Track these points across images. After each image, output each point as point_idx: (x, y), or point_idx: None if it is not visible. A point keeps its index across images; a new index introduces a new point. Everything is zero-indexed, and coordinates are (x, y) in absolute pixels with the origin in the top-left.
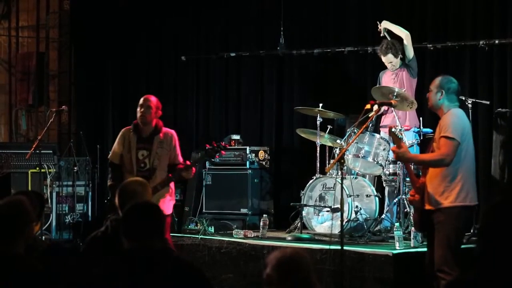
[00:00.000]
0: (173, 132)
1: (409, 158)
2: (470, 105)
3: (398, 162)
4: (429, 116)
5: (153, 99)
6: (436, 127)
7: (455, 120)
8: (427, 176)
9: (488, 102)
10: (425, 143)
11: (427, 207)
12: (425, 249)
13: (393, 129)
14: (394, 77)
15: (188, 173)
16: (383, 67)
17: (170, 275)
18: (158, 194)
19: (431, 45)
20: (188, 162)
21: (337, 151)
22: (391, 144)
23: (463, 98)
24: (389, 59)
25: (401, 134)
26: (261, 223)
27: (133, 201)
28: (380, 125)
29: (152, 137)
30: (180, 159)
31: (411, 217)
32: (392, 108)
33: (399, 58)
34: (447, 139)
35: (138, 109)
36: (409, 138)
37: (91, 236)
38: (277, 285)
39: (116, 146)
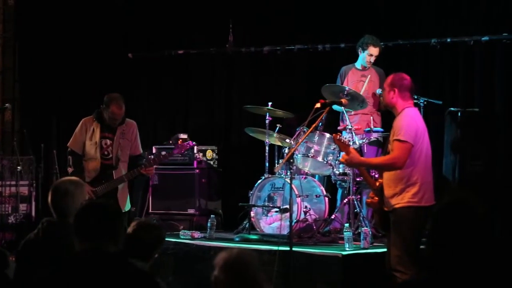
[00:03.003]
0: (134, 123)
1: (360, 162)
2: (422, 104)
3: None
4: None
5: (123, 104)
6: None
7: (408, 121)
8: (383, 178)
9: (440, 102)
10: (375, 143)
11: (386, 208)
12: (375, 251)
13: (338, 137)
14: (362, 74)
15: (148, 171)
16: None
17: (121, 281)
18: (123, 187)
19: (382, 43)
20: (151, 157)
21: (286, 150)
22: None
23: (416, 97)
24: (378, 51)
25: (348, 141)
26: (209, 224)
27: (66, 200)
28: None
29: (115, 128)
30: (140, 150)
31: (361, 218)
32: (342, 107)
33: None
34: (399, 142)
35: (116, 110)
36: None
37: (25, 239)
38: (225, 286)
39: (78, 134)
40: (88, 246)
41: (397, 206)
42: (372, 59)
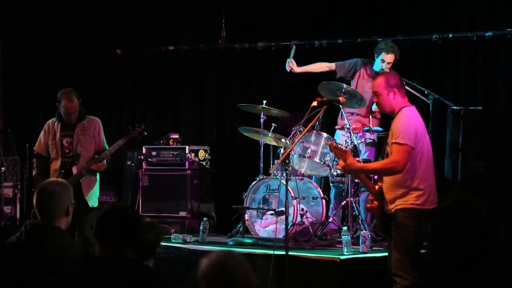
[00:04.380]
0: (97, 119)
1: (358, 168)
2: (431, 101)
3: None
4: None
5: (74, 97)
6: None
7: (407, 123)
8: (384, 182)
9: (452, 104)
10: (373, 144)
11: (387, 211)
12: (374, 255)
13: (334, 145)
14: (373, 76)
15: (98, 167)
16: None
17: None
18: (89, 183)
19: (381, 39)
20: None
21: (282, 150)
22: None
23: (426, 92)
24: (392, 58)
25: (345, 148)
26: (201, 227)
27: (51, 202)
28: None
29: (75, 125)
30: (105, 146)
31: (360, 221)
32: (340, 106)
33: None
34: (399, 145)
35: (67, 103)
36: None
37: (7, 242)
38: None
39: (42, 137)
40: (109, 252)
41: (399, 208)
42: (385, 65)
